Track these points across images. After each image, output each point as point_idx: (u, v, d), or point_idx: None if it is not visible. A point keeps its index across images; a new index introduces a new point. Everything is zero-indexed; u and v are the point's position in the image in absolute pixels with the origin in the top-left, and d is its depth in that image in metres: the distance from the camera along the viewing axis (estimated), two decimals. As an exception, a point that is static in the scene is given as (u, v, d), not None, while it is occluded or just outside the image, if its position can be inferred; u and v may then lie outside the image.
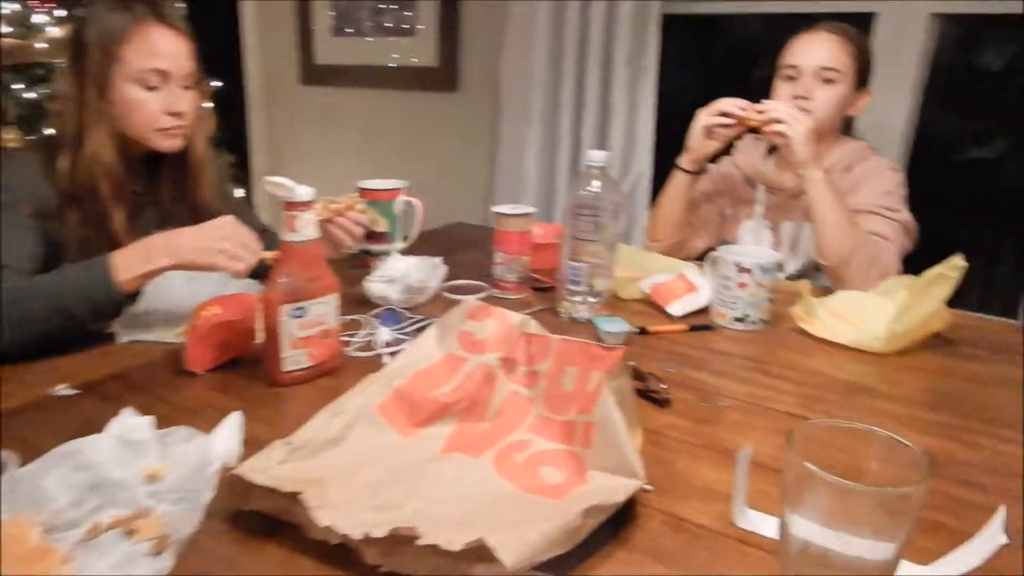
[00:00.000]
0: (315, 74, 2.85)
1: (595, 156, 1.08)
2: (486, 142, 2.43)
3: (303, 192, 0.86)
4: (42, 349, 0.95)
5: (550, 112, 2.18)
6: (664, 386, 0.89)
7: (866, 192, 1.37)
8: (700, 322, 1.14)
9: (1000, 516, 0.57)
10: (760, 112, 1.31)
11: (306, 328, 0.88)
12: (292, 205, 0.86)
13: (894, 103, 1.78)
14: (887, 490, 0.48)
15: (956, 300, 1.06)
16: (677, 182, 1.46)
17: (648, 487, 0.68)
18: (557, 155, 2.19)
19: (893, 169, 1.42)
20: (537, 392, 0.75)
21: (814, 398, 0.92)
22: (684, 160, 1.43)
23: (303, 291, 0.87)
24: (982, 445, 0.82)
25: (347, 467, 0.66)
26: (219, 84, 2.29)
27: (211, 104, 1.32)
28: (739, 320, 1.12)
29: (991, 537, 0.56)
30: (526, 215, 1.23)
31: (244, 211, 1.33)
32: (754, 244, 1.45)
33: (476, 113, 2.46)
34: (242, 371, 0.93)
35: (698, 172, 1.45)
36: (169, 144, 1.14)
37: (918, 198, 1.41)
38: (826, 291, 1.23)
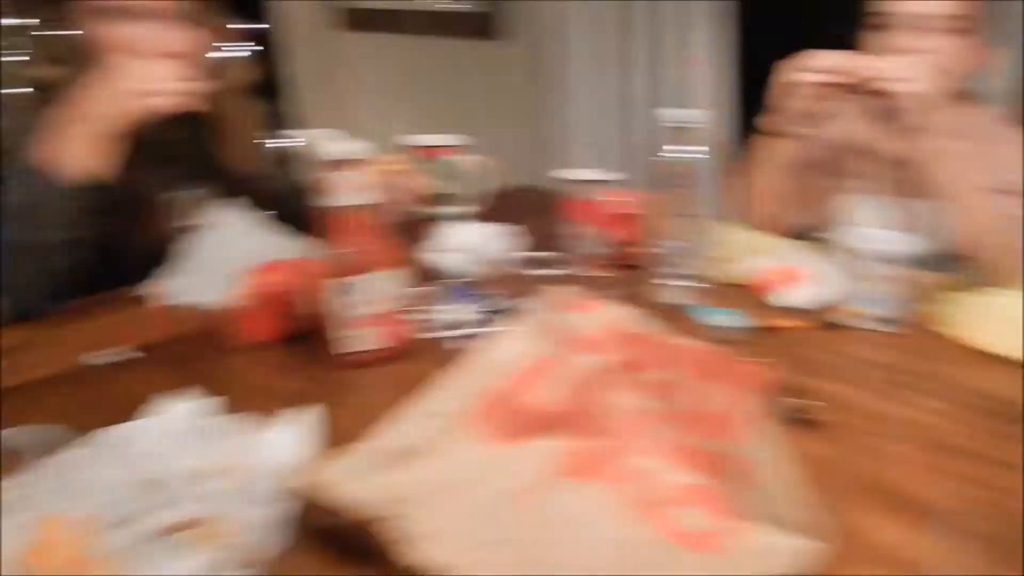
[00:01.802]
0: (352, 19, 2.69)
1: (690, 114, 0.95)
2: (534, 94, 2.22)
3: (348, 149, 0.73)
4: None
5: (621, 61, 2.01)
6: (820, 403, 0.71)
7: (998, 166, 1.16)
8: (817, 317, 0.93)
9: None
10: (872, 69, 1.14)
11: (363, 306, 0.77)
12: (339, 164, 0.73)
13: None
14: None
15: None
16: (771, 149, 1.30)
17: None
18: (630, 111, 2.01)
19: None
20: (663, 407, 0.62)
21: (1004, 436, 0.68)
22: (776, 123, 1.27)
23: (355, 264, 0.75)
24: None
25: (445, 484, 0.55)
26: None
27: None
28: (878, 320, 0.92)
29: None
30: (609, 181, 1.09)
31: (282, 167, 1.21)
32: (869, 224, 1.25)
33: (527, 62, 2.25)
34: (299, 348, 0.84)
35: (793, 137, 1.29)
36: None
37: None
38: (974, 285, 0.98)
